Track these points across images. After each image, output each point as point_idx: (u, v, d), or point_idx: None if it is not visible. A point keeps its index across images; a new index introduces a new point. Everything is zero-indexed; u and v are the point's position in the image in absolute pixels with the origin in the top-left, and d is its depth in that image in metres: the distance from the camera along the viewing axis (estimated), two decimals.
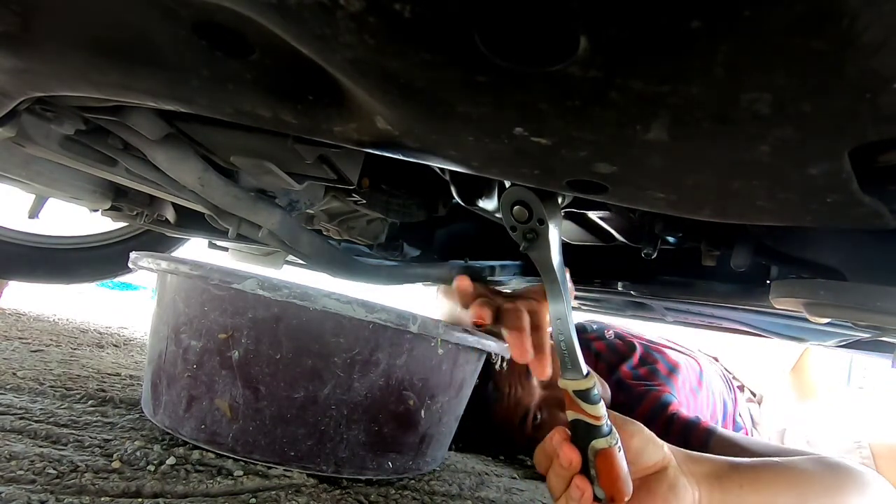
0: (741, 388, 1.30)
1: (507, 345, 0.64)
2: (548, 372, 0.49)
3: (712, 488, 0.49)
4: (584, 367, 0.44)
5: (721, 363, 1.32)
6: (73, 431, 0.56)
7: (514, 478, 0.81)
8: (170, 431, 0.57)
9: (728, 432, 0.85)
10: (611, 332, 1.15)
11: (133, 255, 0.63)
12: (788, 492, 0.54)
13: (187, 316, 0.56)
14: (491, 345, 0.61)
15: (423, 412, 0.59)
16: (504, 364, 0.64)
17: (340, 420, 0.55)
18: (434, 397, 0.60)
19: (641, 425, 0.47)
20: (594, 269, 0.92)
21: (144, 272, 0.63)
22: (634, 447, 0.45)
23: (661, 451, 0.47)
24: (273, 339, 0.53)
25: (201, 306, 0.54)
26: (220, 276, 0.52)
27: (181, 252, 1.46)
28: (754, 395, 1.32)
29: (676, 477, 0.47)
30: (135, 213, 0.93)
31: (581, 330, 1.16)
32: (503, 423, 0.86)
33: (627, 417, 0.47)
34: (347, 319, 0.52)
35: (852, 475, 0.60)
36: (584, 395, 0.43)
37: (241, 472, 0.53)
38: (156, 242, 1.38)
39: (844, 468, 0.62)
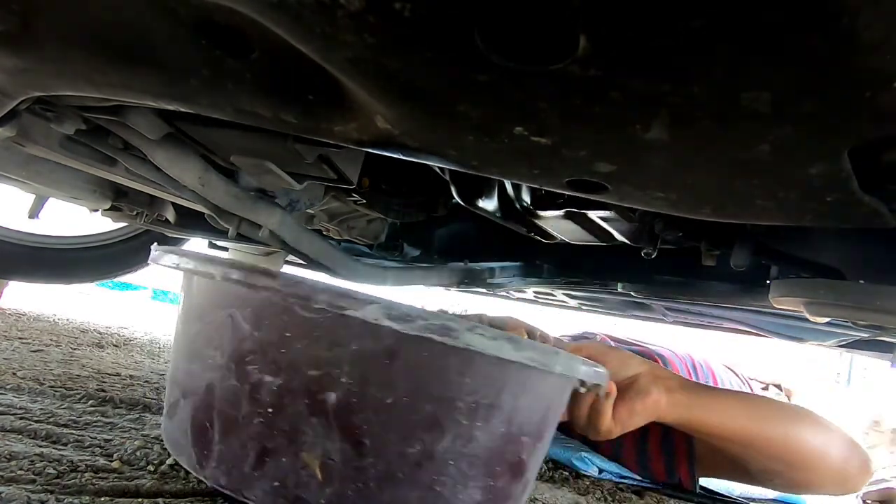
0: (766, 387, 1.30)
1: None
2: None
3: (677, 394, 0.62)
4: None
5: (735, 371, 1.32)
6: (73, 431, 0.56)
7: None
8: (228, 493, 0.43)
9: None
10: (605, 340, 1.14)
11: (167, 254, 0.48)
12: (742, 408, 0.65)
13: (258, 342, 0.43)
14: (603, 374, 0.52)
15: (531, 458, 0.50)
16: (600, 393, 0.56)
17: (458, 478, 0.44)
18: (542, 439, 0.50)
19: (620, 351, 0.64)
20: (594, 269, 0.92)
21: (156, 270, 0.48)
22: (613, 366, 0.56)
23: (636, 367, 0.63)
24: (385, 379, 0.41)
25: (280, 331, 0.42)
26: (327, 298, 0.39)
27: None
28: (780, 389, 1.32)
29: (646, 384, 0.61)
30: (135, 213, 0.93)
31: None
32: None
33: (609, 347, 0.64)
34: (479, 356, 0.42)
35: (804, 410, 0.71)
36: None
37: None
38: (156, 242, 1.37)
39: (797, 406, 0.74)
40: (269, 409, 0.42)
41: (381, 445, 0.42)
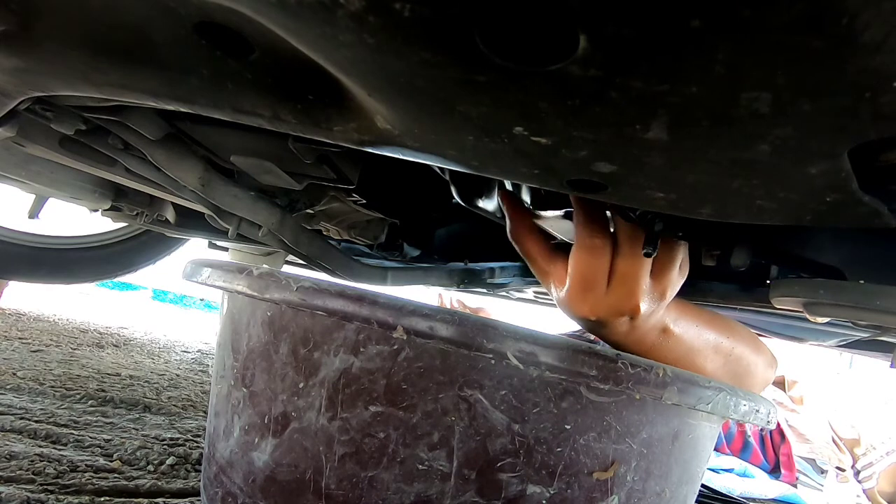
0: None
1: None
2: None
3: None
4: None
5: None
6: (73, 431, 0.56)
7: None
8: None
9: None
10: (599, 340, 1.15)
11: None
12: (720, 328, 0.65)
13: (515, 436, 0.31)
14: None
15: None
16: None
17: None
18: None
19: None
20: None
21: (198, 286, 0.40)
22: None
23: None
24: (664, 468, 0.34)
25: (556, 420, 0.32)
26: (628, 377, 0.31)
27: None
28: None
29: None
30: (135, 213, 0.93)
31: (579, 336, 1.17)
32: None
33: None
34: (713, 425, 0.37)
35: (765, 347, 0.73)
36: None
37: None
38: (156, 242, 1.38)
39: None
40: None
41: None
